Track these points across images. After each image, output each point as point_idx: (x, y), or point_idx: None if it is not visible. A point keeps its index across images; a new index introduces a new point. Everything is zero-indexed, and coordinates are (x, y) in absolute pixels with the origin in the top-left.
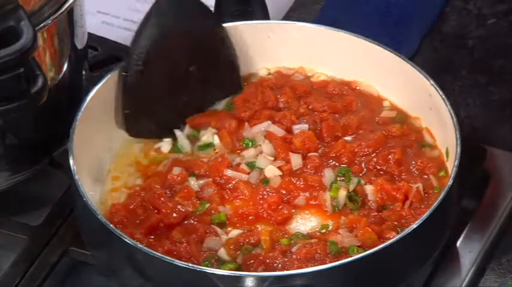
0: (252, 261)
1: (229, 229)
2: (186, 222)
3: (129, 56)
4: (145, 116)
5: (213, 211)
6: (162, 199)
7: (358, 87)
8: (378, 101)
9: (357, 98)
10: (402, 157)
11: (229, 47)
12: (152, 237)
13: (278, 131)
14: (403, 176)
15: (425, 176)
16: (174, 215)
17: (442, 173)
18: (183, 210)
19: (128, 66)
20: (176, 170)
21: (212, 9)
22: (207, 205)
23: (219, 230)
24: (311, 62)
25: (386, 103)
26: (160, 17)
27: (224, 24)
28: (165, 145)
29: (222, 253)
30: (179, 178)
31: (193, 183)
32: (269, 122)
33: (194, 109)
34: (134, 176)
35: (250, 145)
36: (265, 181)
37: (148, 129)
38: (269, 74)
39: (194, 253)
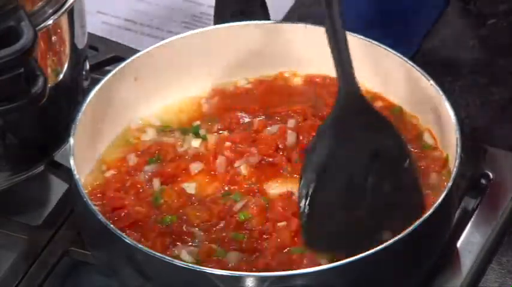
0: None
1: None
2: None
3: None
4: (324, 230)
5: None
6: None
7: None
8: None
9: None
10: None
11: (412, 167)
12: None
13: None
14: None
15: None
16: (138, 209)
17: (443, 173)
18: (144, 204)
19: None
20: (132, 158)
21: (212, 9)
22: (162, 200)
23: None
24: (311, 62)
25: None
26: (338, 127)
27: (224, 25)
28: (147, 135)
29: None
30: (132, 171)
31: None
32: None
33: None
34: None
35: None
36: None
37: (327, 242)
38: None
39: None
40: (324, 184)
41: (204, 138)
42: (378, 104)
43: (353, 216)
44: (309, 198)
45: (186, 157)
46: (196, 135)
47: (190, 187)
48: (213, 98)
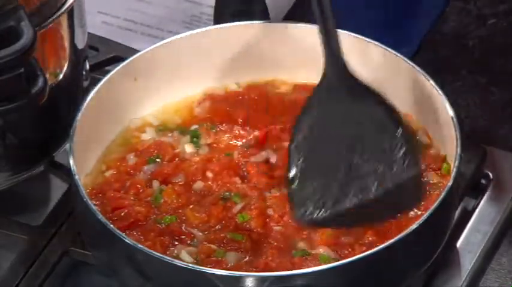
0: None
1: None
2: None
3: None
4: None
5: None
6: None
7: None
8: None
9: None
10: None
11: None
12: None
13: None
14: None
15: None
16: (138, 209)
17: (443, 169)
18: (144, 204)
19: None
20: (131, 158)
21: (212, 9)
22: (162, 200)
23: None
24: (311, 62)
25: None
26: (321, 103)
27: (224, 25)
28: (146, 135)
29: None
30: (132, 171)
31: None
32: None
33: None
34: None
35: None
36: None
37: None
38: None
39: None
40: (312, 158)
41: (198, 146)
42: None
43: (343, 192)
44: (298, 169)
45: (185, 157)
46: (196, 138)
47: (197, 184)
48: (204, 101)
